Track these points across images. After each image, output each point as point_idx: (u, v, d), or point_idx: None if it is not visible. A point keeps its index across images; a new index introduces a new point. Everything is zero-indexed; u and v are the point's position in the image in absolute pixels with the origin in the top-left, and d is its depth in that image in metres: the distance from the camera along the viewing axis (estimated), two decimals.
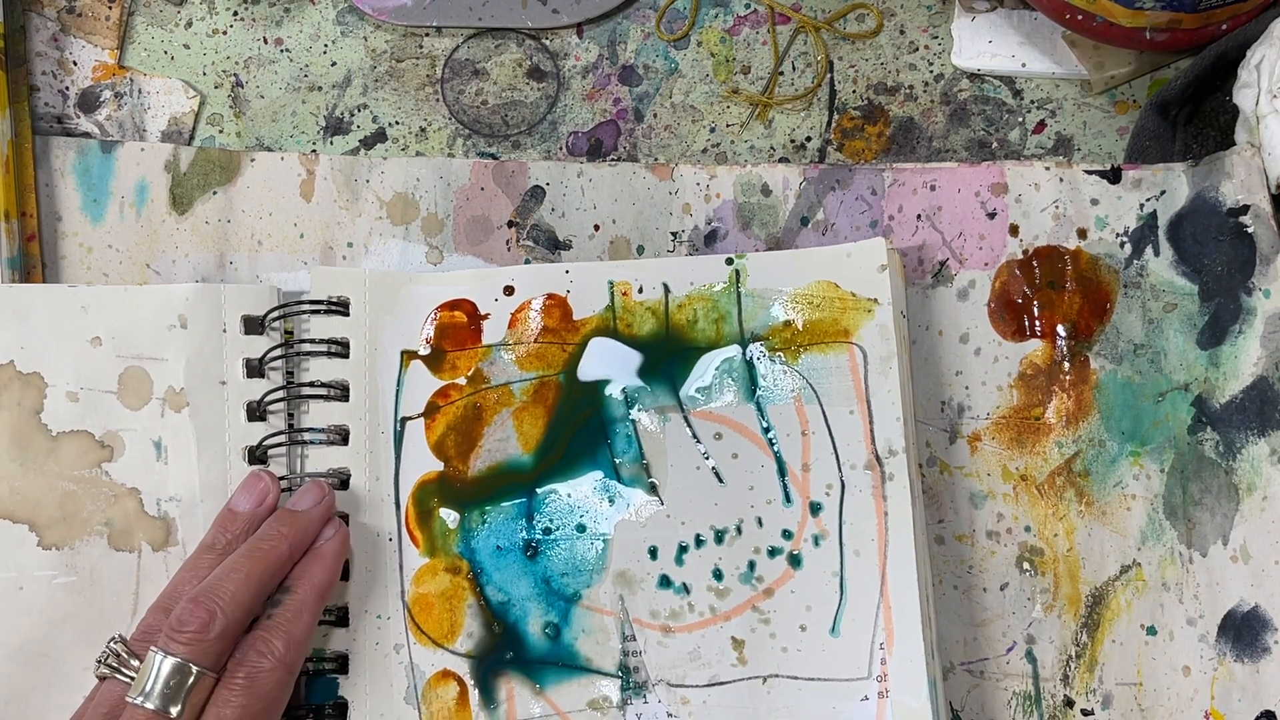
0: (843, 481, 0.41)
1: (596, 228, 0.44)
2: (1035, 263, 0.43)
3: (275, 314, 0.42)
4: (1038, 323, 0.42)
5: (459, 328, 0.42)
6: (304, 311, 0.42)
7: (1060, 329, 0.42)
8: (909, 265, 0.42)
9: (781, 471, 0.41)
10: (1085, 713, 0.40)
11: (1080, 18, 0.41)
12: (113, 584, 0.42)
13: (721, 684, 0.40)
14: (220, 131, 0.46)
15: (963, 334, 0.42)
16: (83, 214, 0.44)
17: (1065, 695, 0.41)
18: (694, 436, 0.41)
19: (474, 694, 0.40)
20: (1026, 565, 0.42)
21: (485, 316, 0.42)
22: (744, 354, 0.42)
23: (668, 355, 0.42)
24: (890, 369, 0.41)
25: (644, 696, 0.40)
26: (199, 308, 0.42)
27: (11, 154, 0.43)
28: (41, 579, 0.41)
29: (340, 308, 0.42)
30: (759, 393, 0.42)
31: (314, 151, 0.45)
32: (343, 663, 0.40)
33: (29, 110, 0.44)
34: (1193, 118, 0.43)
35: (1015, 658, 0.41)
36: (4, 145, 0.43)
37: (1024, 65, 0.45)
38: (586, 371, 0.42)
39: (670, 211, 0.43)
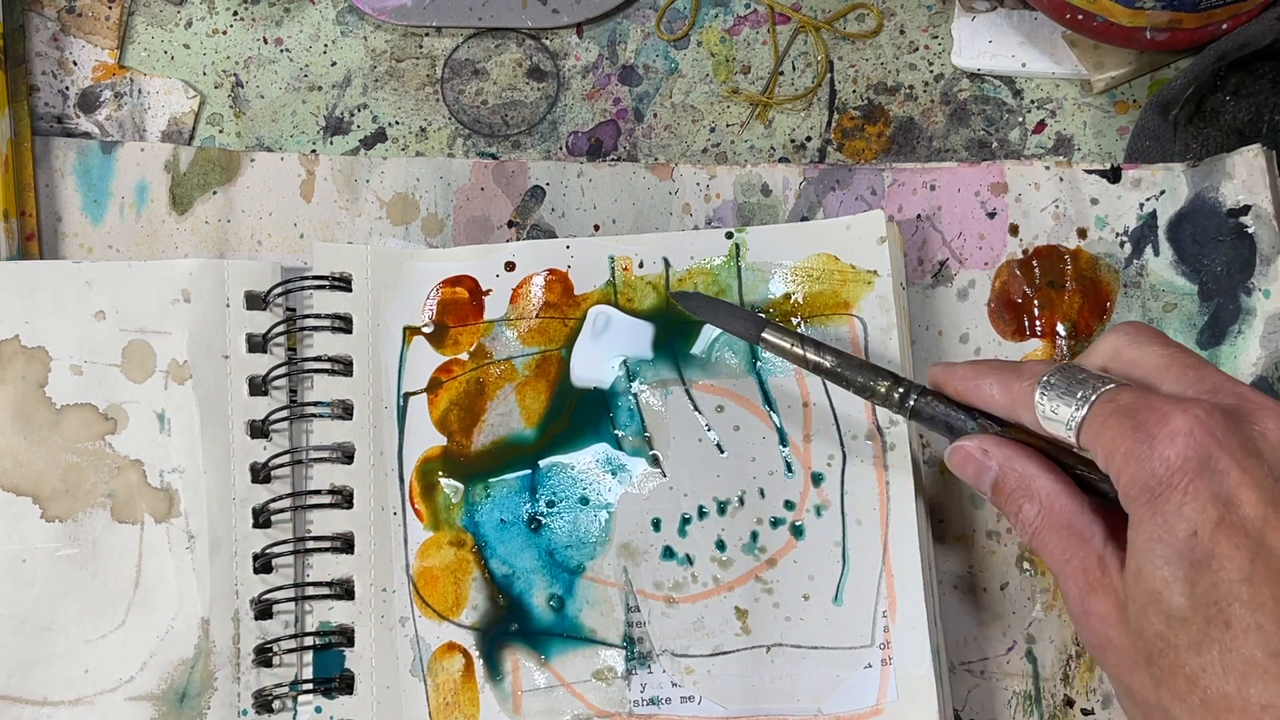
0: (844, 452, 0.45)
1: (596, 228, 0.45)
2: (1035, 262, 0.44)
3: (278, 290, 0.47)
4: (1038, 322, 0.44)
5: (461, 303, 0.47)
6: (306, 287, 0.47)
7: (1060, 329, 0.44)
8: (909, 266, 0.43)
9: (783, 442, 0.45)
10: (1085, 712, 0.42)
11: (1080, 18, 0.43)
12: (115, 556, 0.46)
13: (725, 654, 0.44)
14: (220, 131, 0.47)
15: (963, 334, 0.44)
16: (83, 214, 0.47)
17: (1065, 695, 0.42)
18: (696, 409, 0.46)
19: (479, 666, 0.45)
20: (1026, 565, 0.43)
21: (487, 292, 0.47)
22: None
23: (669, 329, 0.46)
24: (890, 340, 0.46)
25: (648, 667, 0.44)
26: (202, 282, 0.47)
27: (11, 153, 0.46)
28: (44, 551, 0.46)
29: (343, 284, 0.47)
30: (760, 365, 0.46)
31: (314, 152, 0.46)
32: (349, 636, 0.45)
33: (29, 110, 0.46)
34: (1193, 118, 0.45)
35: (1015, 657, 0.42)
36: (3, 145, 0.45)
37: (1024, 65, 0.46)
38: (587, 351, 0.47)
39: (670, 211, 0.45)
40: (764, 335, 0.42)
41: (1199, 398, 0.34)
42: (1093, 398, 0.35)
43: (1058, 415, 0.35)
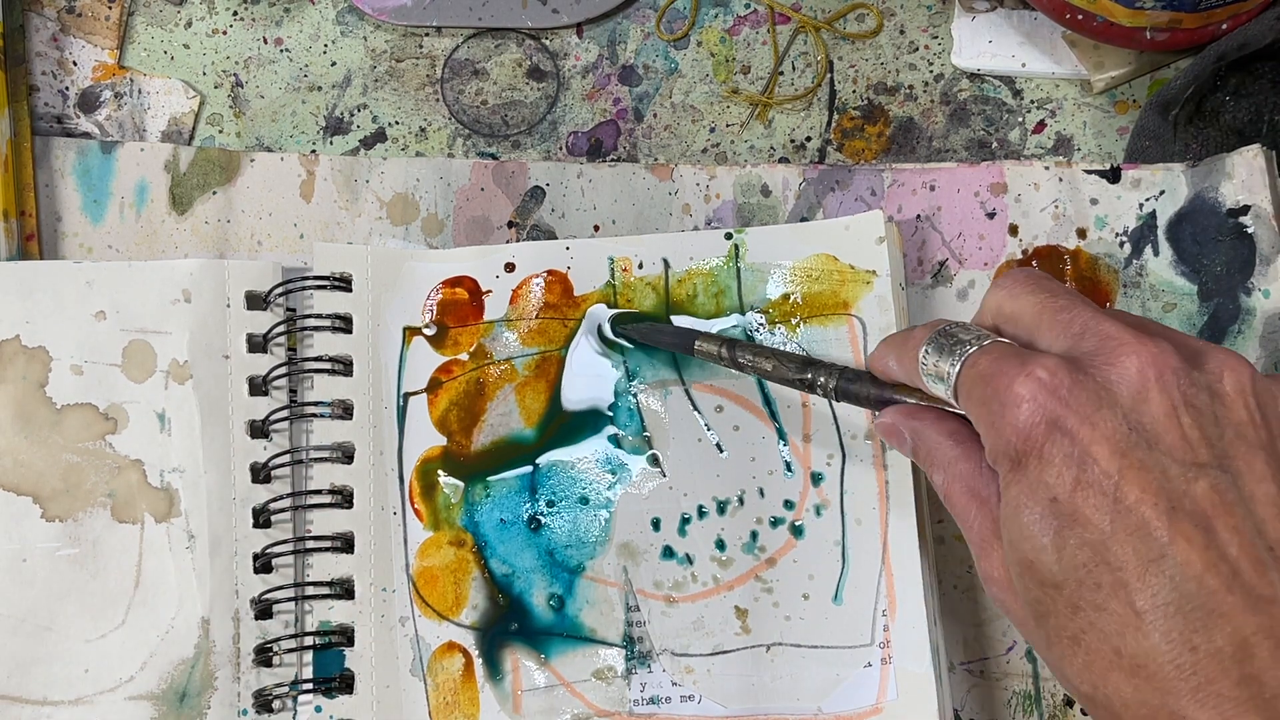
0: (844, 451, 0.45)
1: (596, 228, 0.46)
2: (1035, 262, 0.45)
3: (278, 290, 0.47)
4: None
5: (461, 304, 0.47)
6: (307, 287, 0.47)
7: None
8: (909, 266, 0.44)
9: (782, 442, 0.46)
10: (1085, 712, 0.42)
11: (1080, 18, 0.43)
12: (115, 556, 0.46)
13: (725, 653, 0.45)
14: (220, 131, 0.48)
15: None
16: (83, 214, 0.47)
17: (1065, 695, 0.42)
18: (695, 409, 0.46)
19: (479, 665, 0.45)
20: None
21: (487, 293, 0.47)
22: (744, 327, 0.46)
23: None
24: None
25: (648, 666, 0.45)
26: (203, 283, 0.47)
27: (10, 153, 0.46)
28: (45, 551, 0.46)
29: (343, 284, 0.47)
30: None
31: (314, 152, 0.47)
32: (349, 635, 0.46)
33: (29, 110, 0.47)
34: (1193, 118, 0.45)
35: (1015, 657, 0.43)
36: (3, 145, 0.45)
37: (1024, 65, 0.47)
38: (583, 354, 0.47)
39: (670, 212, 0.45)
40: (695, 345, 0.44)
41: (1051, 351, 0.33)
42: (959, 365, 0.35)
43: (940, 380, 0.36)
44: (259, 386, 0.47)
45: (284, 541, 0.46)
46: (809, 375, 0.41)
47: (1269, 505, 0.30)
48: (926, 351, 0.36)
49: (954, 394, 0.35)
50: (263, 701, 0.45)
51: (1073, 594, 0.31)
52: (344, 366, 0.47)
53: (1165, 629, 0.29)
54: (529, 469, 0.46)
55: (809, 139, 0.50)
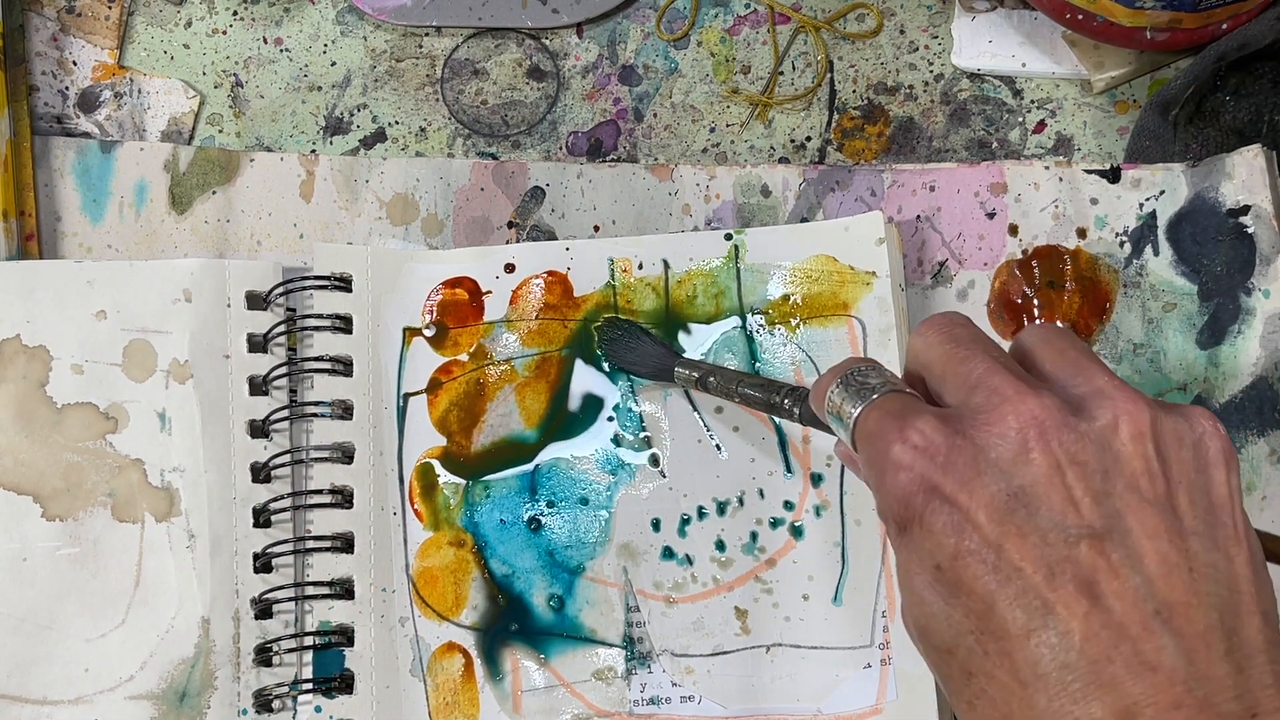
0: None
1: (596, 229, 0.46)
2: (1035, 262, 0.45)
3: (279, 290, 0.48)
4: (1038, 323, 0.44)
5: (461, 305, 0.48)
6: (307, 287, 0.48)
7: None
8: (909, 266, 0.44)
9: (782, 443, 0.46)
10: None
11: (1080, 17, 0.44)
12: (115, 555, 0.47)
13: (725, 653, 0.45)
14: (220, 131, 0.48)
15: None
16: (82, 214, 0.48)
17: None
18: (695, 410, 0.47)
19: (479, 666, 0.46)
20: None
21: (487, 293, 0.48)
22: (743, 327, 0.47)
23: (668, 332, 0.47)
24: (889, 341, 0.46)
25: (648, 666, 0.45)
26: (203, 282, 0.48)
27: (10, 153, 0.46)
28: (45, 550, 0.47)
29: (343, 284, 0.48)
30: (759, 366, 0.47)
31: (314, 152, 0.47)
32: (349, 635, 0.46)
33: (28, 110, 0.47)
34: (1193, 118, 0.45)
35: None
36: (3, 145, 0.45)
37: (1024, 65, 0.47)
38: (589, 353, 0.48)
39: (670, 212, 0.45)
40: (675, 373, 0.44)
41: (951, 405, 0.33)
42: (855, 416, 0.34)
43: (843, 427, 0.35)
44: (259, 386, 0.47)
45: (284, 541, 0.46)
46: (774, 400, 0.41)
47: (1159, 563, 0.29)
48: (831, 395, 0.35)
49: (854, 445, 0.35)
50: (263, 701, 0.45)
51: (964, 660, 0.31)
52: (344, 367, 0.47)
53: (1047, 699, 0.29)
54: (529, 469, 0.46)
55: (809, 139, 0.50)
